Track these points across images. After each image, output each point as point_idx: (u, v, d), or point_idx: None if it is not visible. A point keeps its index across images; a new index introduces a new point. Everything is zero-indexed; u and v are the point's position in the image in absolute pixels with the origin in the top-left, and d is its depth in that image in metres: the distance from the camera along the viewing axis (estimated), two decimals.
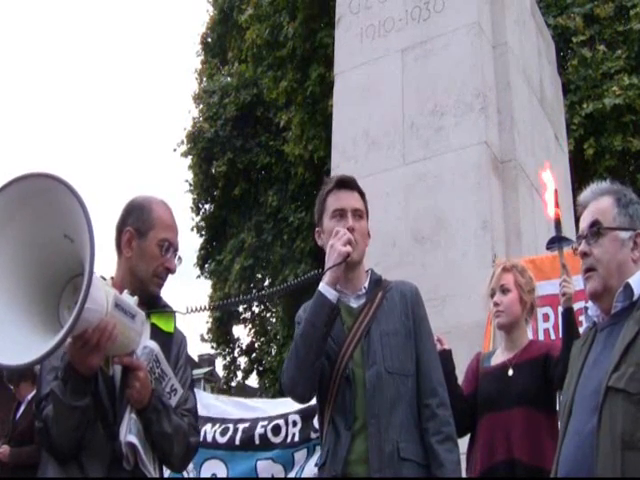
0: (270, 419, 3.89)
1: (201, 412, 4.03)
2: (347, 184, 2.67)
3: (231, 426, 3.94)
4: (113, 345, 2.04)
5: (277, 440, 3.81)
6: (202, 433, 3.91)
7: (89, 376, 2.07)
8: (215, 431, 3.94)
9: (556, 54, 8.29)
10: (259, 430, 3.84)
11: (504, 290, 3.37)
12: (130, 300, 2.14)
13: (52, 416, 2.08)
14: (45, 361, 2.13)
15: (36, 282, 2.00)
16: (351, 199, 2.64)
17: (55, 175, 1.90)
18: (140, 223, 2.41)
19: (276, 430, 3.80)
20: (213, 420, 4.00)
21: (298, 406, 3.69)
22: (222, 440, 3.91)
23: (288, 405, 3.80)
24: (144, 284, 2.40)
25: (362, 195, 2.69)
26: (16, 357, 1.86)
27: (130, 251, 2.40)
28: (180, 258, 2.50)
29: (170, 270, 2.44)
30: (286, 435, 3.81)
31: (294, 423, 3.80)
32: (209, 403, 4.16)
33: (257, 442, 3.81)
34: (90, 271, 1.81)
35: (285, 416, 3.84)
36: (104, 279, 2.24)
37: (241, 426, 3.92)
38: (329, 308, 2.42)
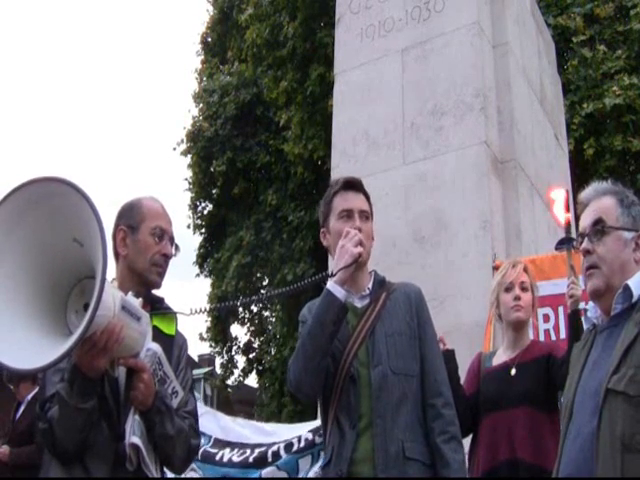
0: (285, 440, 3.92)
1: (219, 435, 4.08)
2: (354, 186, 2.69)
3: (248, 450, 3.98)
4: (119, 347, 2.04)
5: (287, 455, 3.84)
6: (219, 455, 3.95)
7: (95, 378, 2.07)
8: (233, 455, 3.98)
9: (556, 54, 8.29)
10: (273, 448, 3.87)
11: (524, 288, 3.36)
12: (135, 302, 2.15)
13: (57, 417, 2.08)
14: None
15: (44, 284, 2.00)
16: (358, 200, 2.66)
17: (67, 179, 1.90)
18: (131, 220, 2.44)
19: (288, 447, 3.82)
20: (232, 445, 4.04)
21: (313, 426, 3.71)
22: (237, 459, 3.95)
23: (305, 428, 3.84)
24: (143, 276, 2.41)
25: (367, 197, 2.71)
26: (26, 361, 1.86)
27: (126, 249, 2.42)
28: (177, 247, 2.51)
29: (167, 256, 2.44)
30: (297, 449, 3.83)
31: (306, 440, 3.82)
32: (227, 426, 4.18)
33: (270, 459, 3.85)
34: (102, 277, 1.81)
35: (299, 436, 3.86)
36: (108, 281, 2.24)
37: (257, 450, 3.96)
38: (338, 307, 2.43)
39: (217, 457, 3.94)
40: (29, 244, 1.97)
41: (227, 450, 4.00)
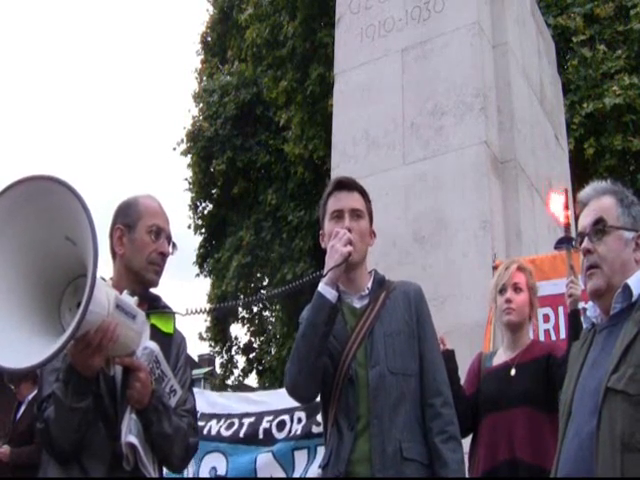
0: (276, 414, 3.88)
1: (206, 409, 4.05)
2: (345, 185, 2.68)
3: (236, 421, 3.95)
4: (114, 346, 2.03)
5: (280, 436, 3.82)
6: (207, 428, 3.92)
7: (90, 377, 2.07)
8: (220, 426, 3.95)
9: (556, 54, 8.29)
10: (264, 425, 3.84)
11: (517, 289, 3.34)
12: (130, 300, 2.14)
13: (53, 417, 2.08)
14: None
15: (37, 283, 2.00)
16: (349, 200, 2.64)
17: (58, 178, 1.90)
18: (128, 218, 2.43)
19: (281, 426, 3.80)
20: (218, 416, 4.01)
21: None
22: (226, 433, 3.92)
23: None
24: (140, 275, 2.40)
25: (364, 195, 2.69)
26: (18, 360, 1.85)
27: (122, 247, 2.41)
28: (175, 245, 2.50)
29: (164, 254, 2.43)
30: (290, 431, 3.81)
31: (299, 420, 3.80)
32: (215, 401, 4.17)
33: (261, 437, 3.81)
34: (93, 274, 1.81)
35: (291, 412, 3.83)
36: (104, 280, 2.23)
37: (247, 421, 3.92)
38: (329, 308, 2.43)
39: (204, 431, 3.90)
40: (20, 243, 1.96)
41: (214, 422, 3.97)
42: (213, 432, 3.93)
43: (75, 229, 1.90)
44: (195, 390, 4.42)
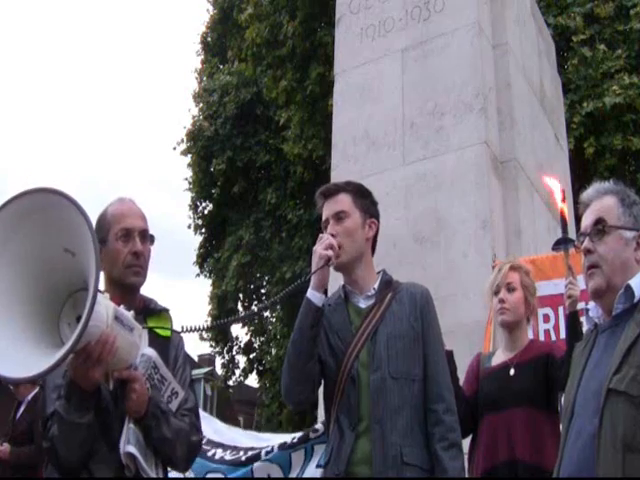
0: (280, 444, 3.92)
1: (212, 437, 4.09)
2: (327, 193, 2.72)
3: (242, 452, 3.99)
4: (113, 359, 2.04)
5: (279, 450, 3.83)
6: (212, 452, 3.96)
7: (92, 391, 2.07)
8: (225, 454, 3.99)
9: (556, 54, 8.29)
10: (267, 449, 3.87)
11: (510, 288, 3.35)
12: (127, 314, 2.14)
13: (57, 435, 2.08)
14: (48, 379, 2.17)
15: (37, 296, 1.99)
16: (331, 206, 2.67)
17: (61, 191, 1.89)
18: (101, 233, 2.36)
19: (282, 446, 3.83)
20: (224, 446, 4.05)
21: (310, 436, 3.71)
22: (229, 458, 3.96)
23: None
24: (121, 282, 2.37)
25: (350, 191, 2.69)
26: (18, 371, 1.86)
27: (103, 263, 2.35)
28: (152, 237, 2.45)
29: (137, 253, 2.37)
30: (288, 445, 3.83)
31: (300, 437, 3.82)
32: (221, 431, 4.19)
33: (263, 458, 3.84)
34: (95, 287, 1.81)
35: (293, 437, 3.86)
36: (102, 293, 2.22)
37: (251, 452, 3.96)
38: (314, 311, 2.46)
39: (209, 453, 3.94)
40: (23, 255, 1.96)
41: (219, 450, 4.01)
42: (217, 457, 3.98)
43: (75, 241, 1.89)
44: (203, 415, 4.43)
